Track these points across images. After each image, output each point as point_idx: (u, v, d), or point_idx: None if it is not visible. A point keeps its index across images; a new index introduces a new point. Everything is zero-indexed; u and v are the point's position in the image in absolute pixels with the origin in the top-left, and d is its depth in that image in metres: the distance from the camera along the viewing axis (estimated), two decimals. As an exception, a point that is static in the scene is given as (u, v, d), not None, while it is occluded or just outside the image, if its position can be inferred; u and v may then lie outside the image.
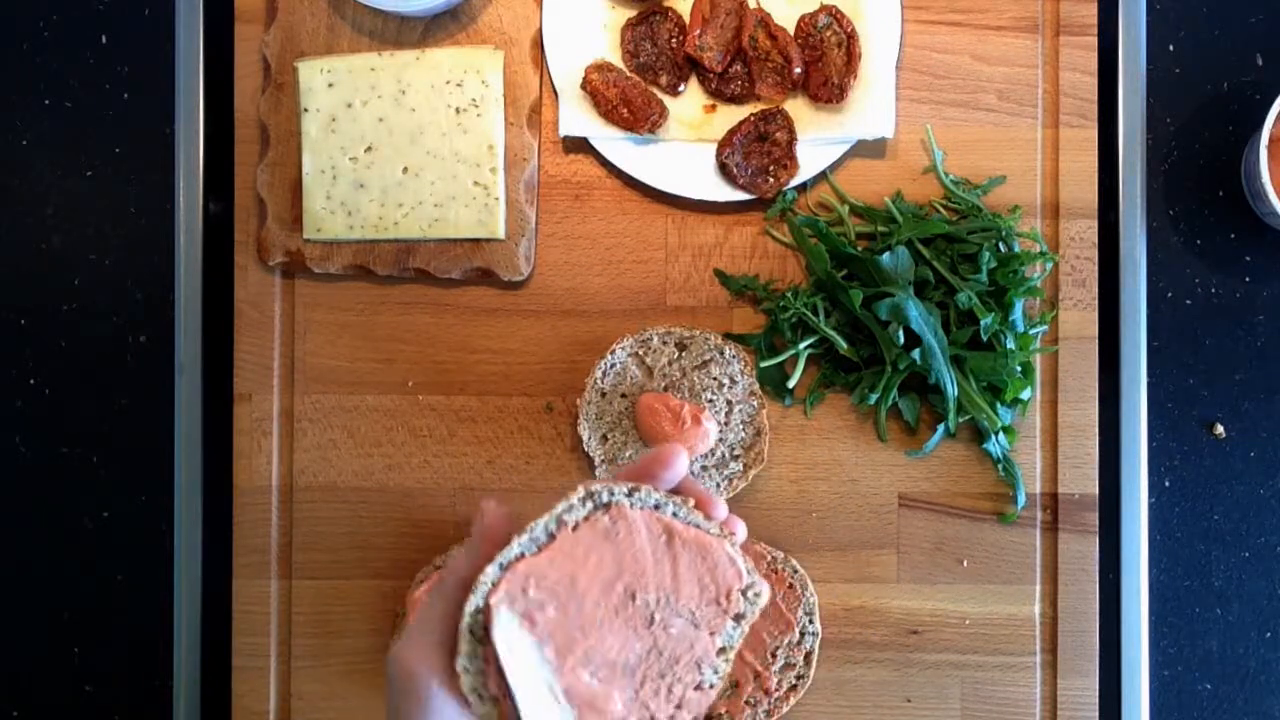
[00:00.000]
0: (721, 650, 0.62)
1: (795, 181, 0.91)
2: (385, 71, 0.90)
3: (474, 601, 0.60)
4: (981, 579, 0.92)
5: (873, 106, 0.90)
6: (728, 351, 0.90)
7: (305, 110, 0.90)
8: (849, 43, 0.89)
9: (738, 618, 0.63)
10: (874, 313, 0.86)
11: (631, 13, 0.91)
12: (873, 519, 0.92)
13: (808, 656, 0.90)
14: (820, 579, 0.92)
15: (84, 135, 0.95)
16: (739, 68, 0.91)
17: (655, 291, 0.93)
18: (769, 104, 0.91)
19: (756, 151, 0.90)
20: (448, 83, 0.90)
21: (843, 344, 0.89)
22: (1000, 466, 0.91)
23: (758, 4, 0.91)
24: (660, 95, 0.91)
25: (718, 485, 0.89)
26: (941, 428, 0.90)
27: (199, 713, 0.93)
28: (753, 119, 0.90)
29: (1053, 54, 0.92)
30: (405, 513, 0.93)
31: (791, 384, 0.90)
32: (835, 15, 0.90)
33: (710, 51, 0.90)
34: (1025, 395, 0.90)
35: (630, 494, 0.62)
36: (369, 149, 0.90)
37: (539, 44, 0.91)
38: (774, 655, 0.90)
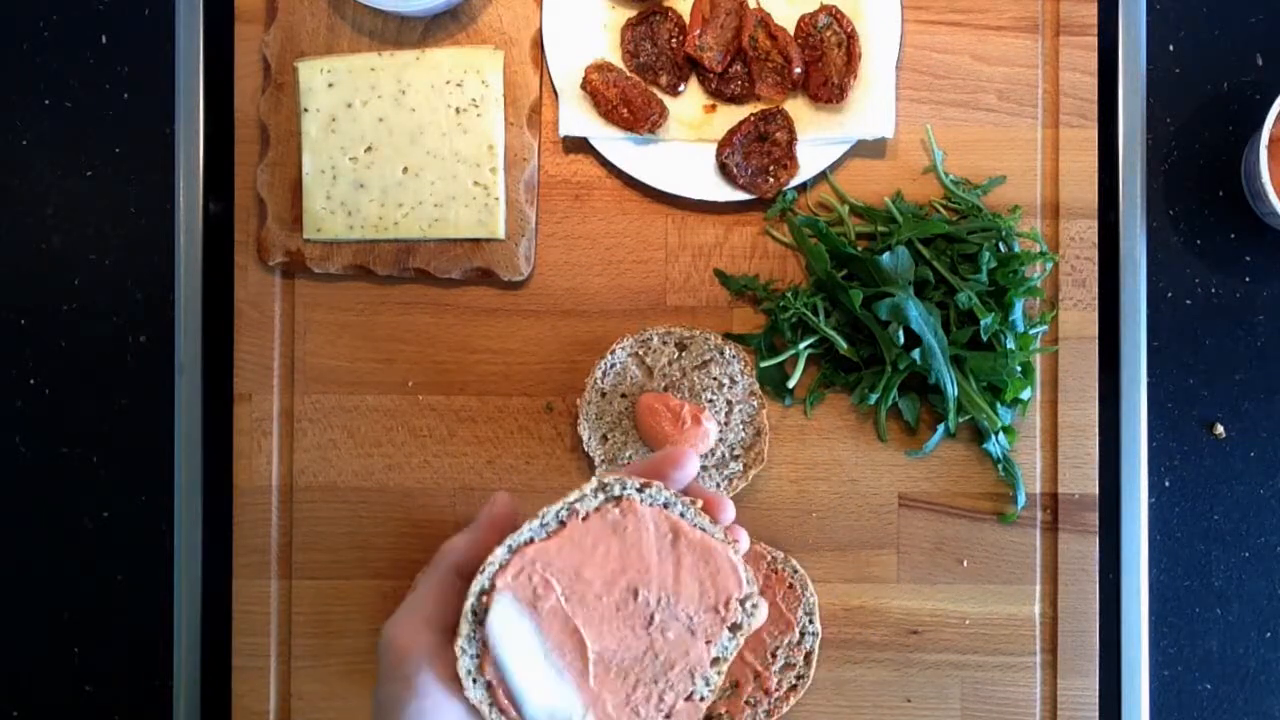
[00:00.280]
0: (715, 661, 0.62)
1: (795, 181, 0.91)
2: (385, 71, 0.90)
3: (480, 582, 0.61)
4: (981, 579, 0.92)
5: (873, 106, 0.90)
6: (728, 351, 0.90)
7: (305, 110, 0.90)
8: (849, 43, 0.89)
9: (734, 628, 0.63)
10: (874, 313, 0.86)
11: (631, 13, 0.91)
12: (873, 519, 0.92)
13: (808, 656, 0.90)
14: (820, 579, 0.92)
15: (84, 135, 0.95)
16: (739, 68, 0.91)
17: (655, 291, 0.93)
18: (769, 104, 0.91)
19: (756, 151, 0.90)
20: (448, 83, 0.90)
21: (843, 344, 0.89)
22: (1000, 466, 0.91)
23: (758, 4, 0.91)
24: (660, 95, 0.91)
25: (718, 485, 0.89)
26: (941, 428, 0.90)
27: (199, 713, 0.93)
28: (753, 119, 0.90)
29: (1053, 54, 0.92)
30: (405, 513, 0.93)
31: (791, 384, 0.90)
32: (835, 15, 0.90)
33: (710, 51, 0.90)
34: (1025, 395, 0.90)
35: (641, 489, 0.63)
36: (369, 149, 0.90)
37: (539, 44, 0.91)
38: (774, 655, 0.90)
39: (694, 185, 0.91)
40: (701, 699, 0.62)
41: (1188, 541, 0.94)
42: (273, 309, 0.92)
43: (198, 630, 0.93)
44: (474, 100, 0.90)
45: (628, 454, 0.89)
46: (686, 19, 0.90)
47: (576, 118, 0.91)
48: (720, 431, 0.89)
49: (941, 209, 0.91)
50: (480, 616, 0.61)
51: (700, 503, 0.63)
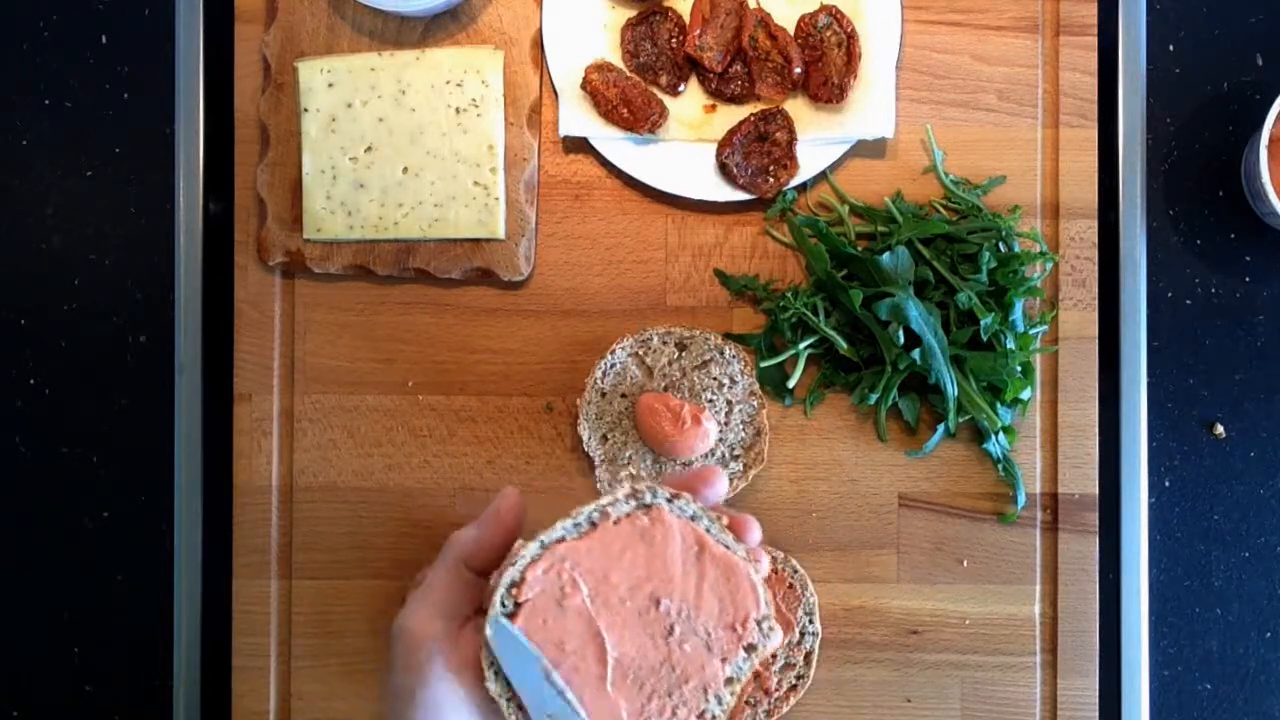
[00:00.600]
0: (729, 681, 0.63)
1: (795, 181, 0.91)
2: (385, 71, 0.90)
3: (512, 574, 0.62)
4: (981, 579, 0.92)
5: (873, 106, 0.90)
6: (728, 351, 0.90)
7: (305, 110, 0.90)
8: (849, 43, 0.89)
9: (749, 649, 0.63)
10: (874, 313, 0.86)
11: (631, 13, 0.91)
12: (873, 519, 0.92)
13: (808, 656, 0.90)
14: (820, 579, 0.92)
15: (84, 135, 0.95)
16: (739, 68, 0.91)
17: (655, 291, 0.93)
18: (769, 104, 0.91)
19: (756, 151, 0.90)
20: (448, 83, 0.90)
21: (843, 344, 0.89)
22: (1000, 466, 0.91)
23: (758, 4, 0.91)
24: (660, 95, 0.91)
25: (718, 485, 0.89)
26: (941, 428, 0.90)
27: (199, 713, 0.93)
28: (753, 119, 0.90)
29: (1053, 54, 0.92)
30: (405, 513, 0.93)
31: (791, 384, 0.90)
32: (835, 15, 0.90)
33: (710, 51, 0.90)
34: (1025, 395, 0.90)
35: (671, 500, 0.64)
36: (369, 149, 0.90)
37: (539, 44, 0.91)
38: (774, 655, 0.90)
39: (694, 185, 0.91)
40: (713, 718, 0.63)
41: (1188, 541, 0.94)
42: (273, 309, 0.92)
43: (198, 630, 0.93)
44: (474, 100, 0.90)
45: (628, 454, 0.89)
46: (686, 19, 0.90)
47: (576, 118, 0.91)
48: (720, 431, 0.89)
49: (941, 209, 0.91)
50: (510, 609, 0.62)
51: (726, 520, 0.64)
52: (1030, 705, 0.91)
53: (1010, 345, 0.88)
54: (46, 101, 0.95)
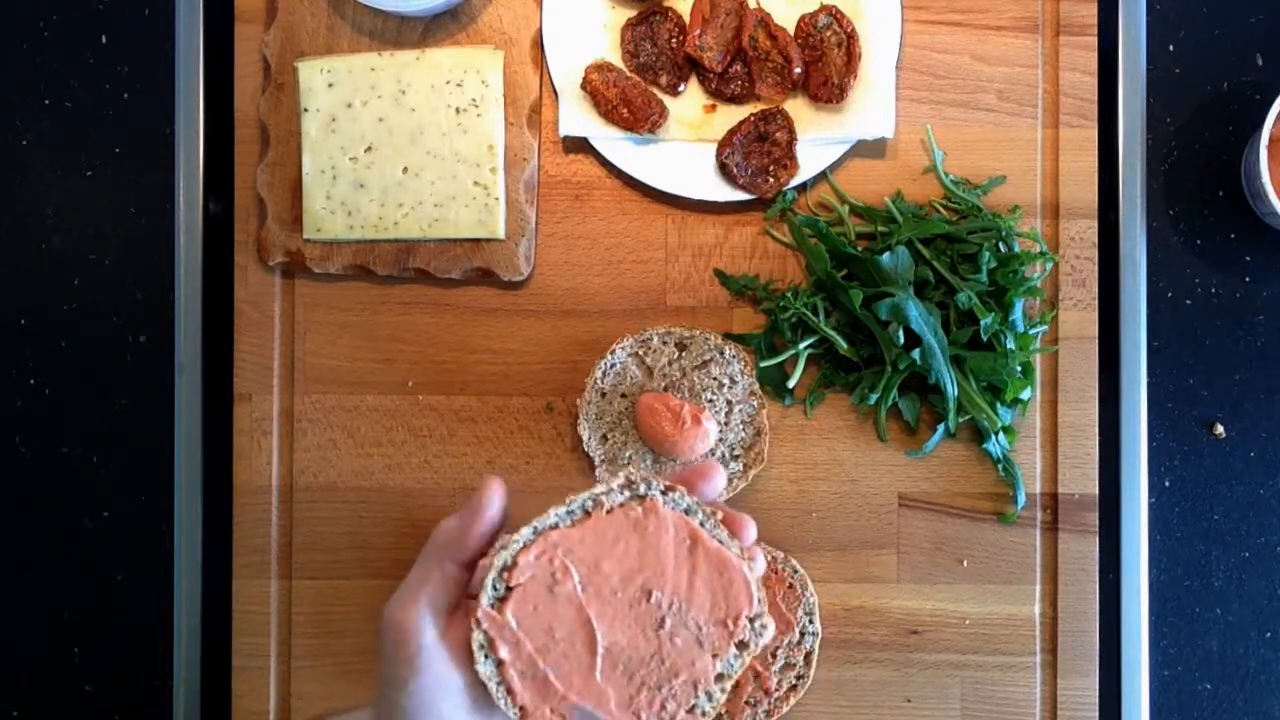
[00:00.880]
0: (720, 678, 0.63)
1: (795, 181, 0.91)
2: (385, 71, 0.90)
3: (504, 557, 0.63)
4: (981, 579, 0.92)
5: (873, 106, 0.90)
6: (728, 351, 0.90)
7: (305, 110, 0.90)
8: (849, 43, 0.89)
9: (741, 645, 0.63)
10: (874, 313, 0.86)
11: (631, 13, 0.91)
12: (873, 519, 0.92)
13: (808, 656, 0.90)
14: (820, 579, 0.92)
15: (84, 135, 0.95)
16: (739, 68, 0.91)
17: (655, 291, 0.93)
18: (769, 104, 0.91)
19: (756, 151, 0.90)
20: (448, 83, 0.90)
21: (843, 344, 0.89)
22: (1000, 466, 0.91)
23: (758, 4, 0.91)
24: (660, 95, 0.91)
25: (718, 485, 0.89)
26: (941, 428, 0.90)
27: (199, 713, 0.93)
28: (753, 119, 0.90)
29: (1053, 54, 0.92)
30: (405, 513, 0.93)
31: (791, 384, 0.90)
32: (835, 15, 0.90)
33: (710, 51, 0.90)
34: (1025, 395, 0.90)
35: (665, 492, 0.64)
36: (369, 149, 0.90)
37: (539, 44, 0.91)
38: (774, 655, 0.90)
39: (694, 185, 0.91)
40: (703, 714, 0.63)
41: (1188, 541, 0.94)
42: (273, 309, 0.92)
43: (198, 630, 0.93)
44: (474, 100, 0.90)
45: (628, 454, 0.89)
46: (686, 19, 0.90)
47: (576, 118, 0.91)
48: (720, 431, 0.89)
49: (941, 209, 0.91)
50: (501, 592, 0.62)
51: (721, 515, 0.64)
52: (1030, 705, 0.91)
53: (1010, 345, 0.88)
54: (46, 101, 0.95)
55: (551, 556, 0.62)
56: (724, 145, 0.90)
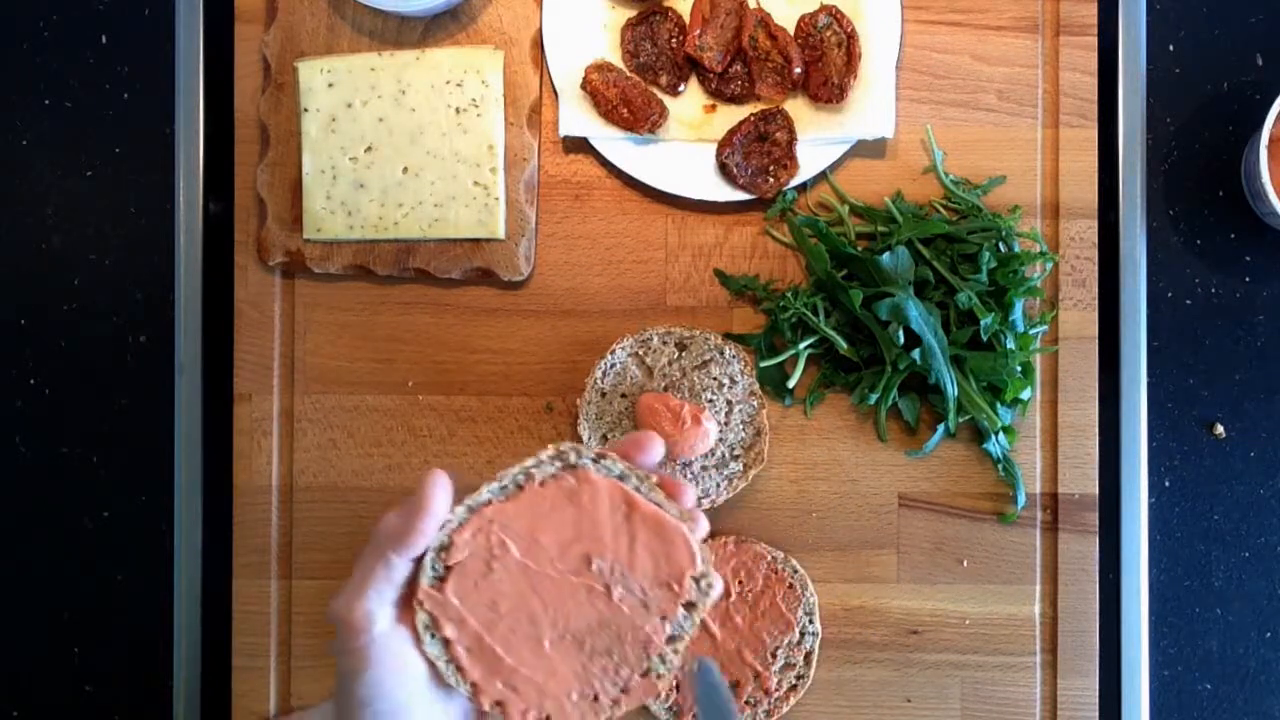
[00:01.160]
0: (671, 639, 0.64)
1: (795, 181, 0.91)
2: (385, 71, 0.90)
3: (440, 538, 0.63)
4: (981, 579, 0.92)
5: (873, 106, 0.90)
6: (728, 351, 0.90)
7: (305, 110, 0.90)
8: (849, 43, 0.89)
9: (689, 606, 0.64)
10: (874, 313, 0.86)
11: (631, 13, 0.91)
12: (873, 519, 0.92)
13: (808, 656, 0.90)
14: (820, 579, 0.92)
15: (84, 135, 0.95)
16: (739, 68, 0.91)
17: (655, 291, 0.93)
18: (769, 104, 0.91)
19: (756, 151, 0.90)
20: (448, 83, 0.90)
21: (843, 344, 0.89)
22: (1000, 466, 0.91)
23: (758, 4, 0.91)
24: (660, 95, 0.91)
25: (717, 485, 0.89)
26: (941, 428, 0.90)
27: (199, 713, 0.93)
28: (753, 119, 0.90)
29: (1053, 54, 0.92)
30: (405, 513, 0.92)
31: (791, 384, 0.90)
32: (835, 15, 0.90)
33: (710, 51, 0.90)
34: (1025, 395, 0.90)
35: (597, 460, 0.64)
36: (369, 149, 0.90)
37: (539, 44, 0.91)
38: (774, 655, 0.90)
39: (694, 185, 0.91)
40: (659, 676, 0.64)
41: (1188, 541, 0.94)
42: (273, 309, 0.92)
43: (198, 630, 0.93)
44: (474, 100, 0.90)
45: (628, 454, 0.89)
46: (686, 19, 0.90)
47: (576, 118, 0.91)
48: (720, 431, 0.89)
49: (941, 209, 0.91)
50: (440, 572, 0.63)
51: (656, 479, 0.65)
52: (1030, 705, 0.91)
53: (1010, 345, 0.88)
54: (46, 101, 0.95)
55: (488, 533, 0.63)
56: (724, 145, 0.90)
